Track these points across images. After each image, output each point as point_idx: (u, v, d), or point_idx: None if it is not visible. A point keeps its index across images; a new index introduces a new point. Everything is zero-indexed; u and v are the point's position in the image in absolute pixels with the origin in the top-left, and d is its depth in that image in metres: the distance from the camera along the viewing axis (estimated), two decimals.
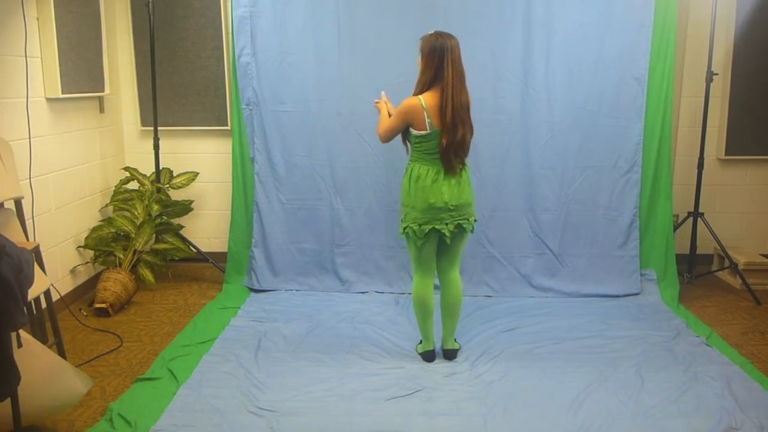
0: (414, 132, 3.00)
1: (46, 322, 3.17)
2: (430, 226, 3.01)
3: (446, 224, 3.02)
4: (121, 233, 4.20)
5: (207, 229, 4.80)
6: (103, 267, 4.24)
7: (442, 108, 2.91)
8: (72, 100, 3.96)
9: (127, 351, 3.39)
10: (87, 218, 4.21)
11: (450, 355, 3.23)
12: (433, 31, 2.99)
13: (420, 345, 3.28)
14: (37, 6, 3.56)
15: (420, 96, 2.96)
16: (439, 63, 2.91)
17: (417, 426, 2.63)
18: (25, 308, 2.21)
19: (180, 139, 4.69)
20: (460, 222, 3.06)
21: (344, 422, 2.65)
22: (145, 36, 4.43)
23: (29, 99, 3.49)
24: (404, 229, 3.10)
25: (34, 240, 3.38)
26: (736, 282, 4.42)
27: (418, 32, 4.06)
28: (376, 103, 3.30)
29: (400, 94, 3.32)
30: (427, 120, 2.93)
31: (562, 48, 4.10)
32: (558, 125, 4.16)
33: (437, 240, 3.08)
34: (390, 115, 3.16)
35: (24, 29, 3.43)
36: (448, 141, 2.93)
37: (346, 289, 4.21)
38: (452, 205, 3.00)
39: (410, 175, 3.06)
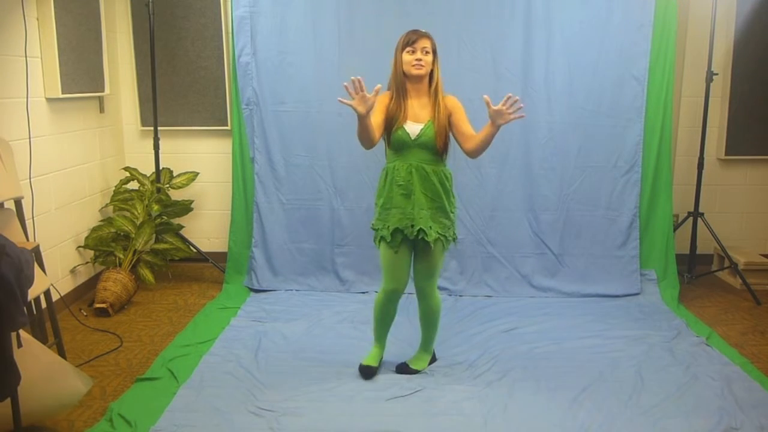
0: None
1: (46, 322, 3.17)
2: None
3: None
4: (121, 233, 4.20)
5: (207, 229, 4.80)
6: (103, 267, 4.24)
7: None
8: (72, 100, 3.95)
9: (127, 351, 3.39)
10: (87, 218, 4.21)
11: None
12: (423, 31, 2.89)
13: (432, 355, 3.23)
14: (37, 6, 3.56)
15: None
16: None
17: (417, 426, 2.63)
18: (25, 308, 2.21)
19: (180, 139, 4.69)
20: None
21: (344, 422, 2.65)
22: (145, 36, 4.43)
23: (29, 99, 3.49)
24: (455, 237, 2.99)
25: (34, 240, 3.38)
26: (736, 282, 4.41)
27: None
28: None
29: None
30: None
31: (562, 48, 4.10)
32: (558, 125, 4.16)
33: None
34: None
35: (24, 29, 3.43)
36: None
37: (346, 289, 4.21)
38: None
39: (451, 180, 2.94)
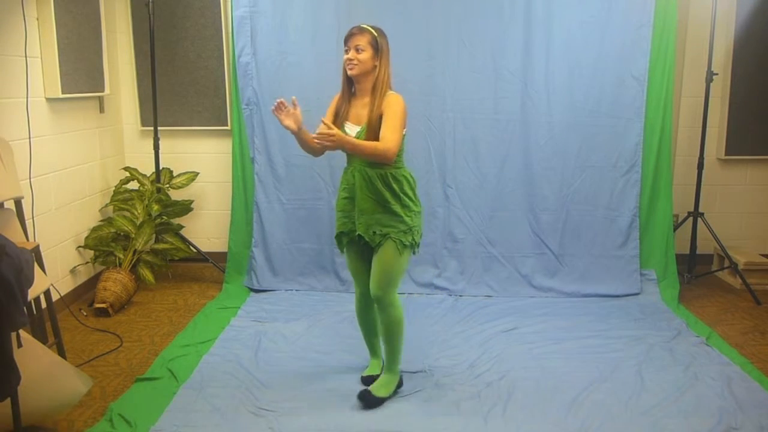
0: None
1: (46, 322, 3.17)
2: None
3: None
4: (121, 233, 4.20)
5: (207, 229, 4.80)
6: (103, 267, 4.24)
7: None
8: (72, 100, 3.96)
9: (127, 351, 3.39)
10: (87, 218, 4.21)
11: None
12: (367, 26, 2.78)
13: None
14: (37, 6, 3.56)
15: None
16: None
17: (417, 426, 2.63)
18: (25, 308, 2.22)
19: (180, 139, 4.69)
20: None
21: (344, 422, 2.65)
22: (145, 36, 4.43)
23: (29, 99, 3.49)
24: (416, 241, 2.75)
25: (34, 240, 3.38)
26: (736, 282, 4.41)
27: (417, 33, 4.11)
28: (329, 130, 2.52)
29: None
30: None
31: (562, 48, 4.10)
32: (558, 125, 4.16)
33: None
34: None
35: (24, 29, 3.43)
36: None
37: (346, 289, 4.21)
38: None
39: (410, 181, 2.75)
